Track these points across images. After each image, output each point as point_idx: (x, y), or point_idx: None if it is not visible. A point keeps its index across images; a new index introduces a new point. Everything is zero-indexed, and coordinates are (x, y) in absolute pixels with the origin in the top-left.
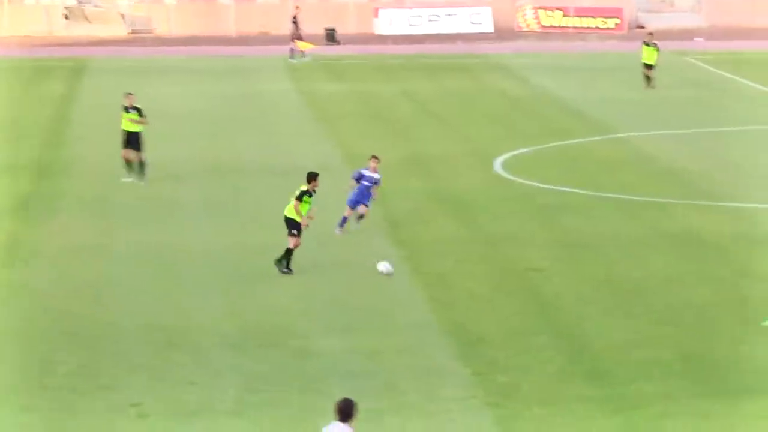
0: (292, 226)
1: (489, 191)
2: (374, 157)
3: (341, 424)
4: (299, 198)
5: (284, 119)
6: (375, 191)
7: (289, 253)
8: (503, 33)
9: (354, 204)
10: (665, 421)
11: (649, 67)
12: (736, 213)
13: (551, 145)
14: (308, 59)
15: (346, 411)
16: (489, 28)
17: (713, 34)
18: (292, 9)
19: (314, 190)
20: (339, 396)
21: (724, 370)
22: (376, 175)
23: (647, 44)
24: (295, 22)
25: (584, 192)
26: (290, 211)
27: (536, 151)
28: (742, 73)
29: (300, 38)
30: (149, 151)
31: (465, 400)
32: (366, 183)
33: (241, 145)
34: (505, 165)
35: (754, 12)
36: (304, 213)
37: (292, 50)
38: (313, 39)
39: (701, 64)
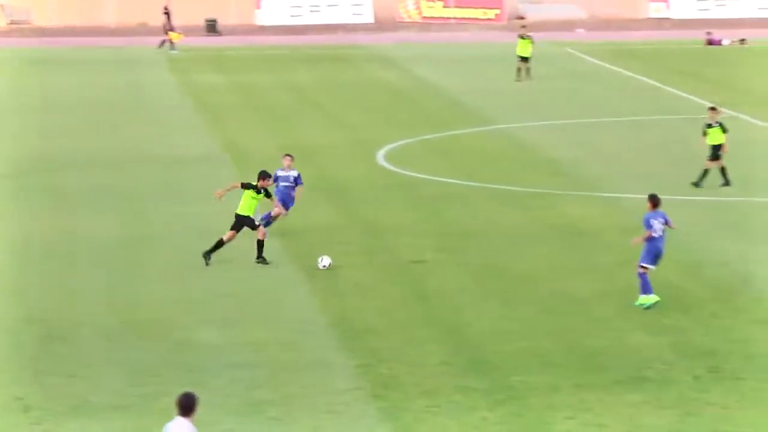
0: (244, 223)
1: (372, 182)
2: (287, 155)
3: (182, 419)
4: (245, 186)
5: (165, 110)
6: (297, 192)
7: (260, 245)
8: (384, 24)
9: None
10: (549, 412)
11: (524, 59)
12: (615, 203)
13: (433, 135)
14: (177, 52)
15: (186, 405)
16: (369, 18)
17: (594, 24)
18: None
19: (262, 189)
20: (222, 388)
21: (606, 359)
22: (292, 173)
23: (522, 37)
24: (166, 13)
25: (466, 183)
26: (242, 209)
27: (419, 141)
28: (621, 64)
29: (171, 29)
30: (31, 143)
31: (349, 391)
32: (284, 184)
33: (122, 136)
34: (388, 156)
35: (634, 3)
36: (253, 207)
37: (170, 42)
38: (193, 30)
39: (581, 55)
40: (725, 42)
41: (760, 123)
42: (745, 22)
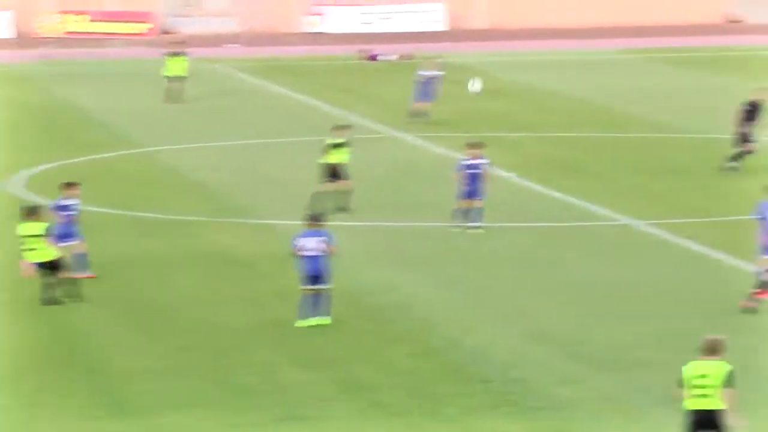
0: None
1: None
2: (71, 183)
3: None
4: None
5: None
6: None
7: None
8: (24, 40)
9: None
10: None
11: (180, 79)
12: (269, 230)
13: (73, 160)
14: None
15: None
16: (7, 34)
17: (248, 39)
18: None
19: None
20: None
21: (261, 397)
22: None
23: (176, 54)
24: None
25: (106, 210)
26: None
27: (57, 166)
28: (277, 81)
29: None
30: None
31: None
32: (73, 212)
33: None
34: (24, 182)
35: (288, 16)
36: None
37: None
38: None
39: (234, 72)
40: (389, 57)
41: (420, 143)
42: (413, 36)
